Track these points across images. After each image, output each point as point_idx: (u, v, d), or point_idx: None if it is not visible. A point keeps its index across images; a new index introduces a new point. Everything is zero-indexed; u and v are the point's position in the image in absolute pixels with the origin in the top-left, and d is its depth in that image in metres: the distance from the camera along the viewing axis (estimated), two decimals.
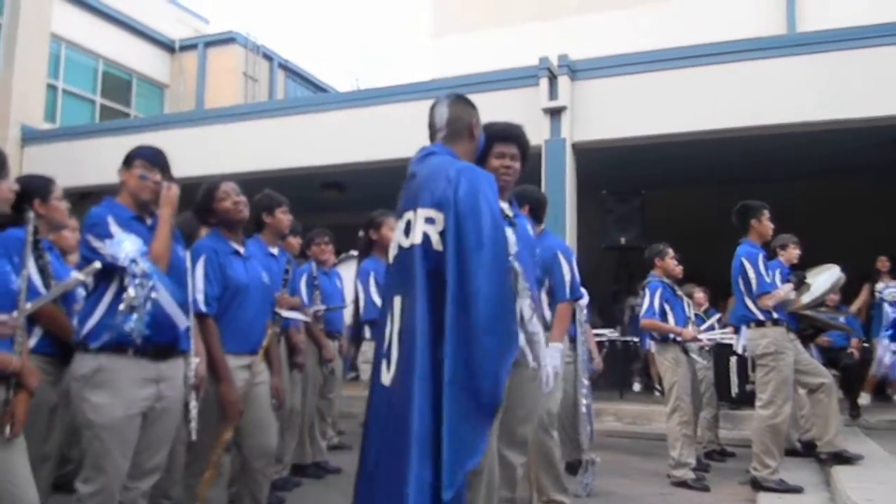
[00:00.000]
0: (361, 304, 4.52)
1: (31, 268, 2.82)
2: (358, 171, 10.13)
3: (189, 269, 3.12)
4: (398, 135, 9.44)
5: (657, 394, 8.62)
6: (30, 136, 11.39)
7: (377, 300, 4.31)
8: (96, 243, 2.70)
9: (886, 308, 8.19)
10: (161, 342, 2.84)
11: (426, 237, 2.35)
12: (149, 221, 2.95)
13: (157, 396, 2.82)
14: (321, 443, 5.54)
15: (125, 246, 2.62)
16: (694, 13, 12.05)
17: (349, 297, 5.64)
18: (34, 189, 3.15)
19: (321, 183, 10.95)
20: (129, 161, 2.96)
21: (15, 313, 2.29)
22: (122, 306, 2.62)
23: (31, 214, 2.54)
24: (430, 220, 2.36)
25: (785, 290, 5.16)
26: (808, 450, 6.00)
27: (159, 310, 2.79)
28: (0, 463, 2.30)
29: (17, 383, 2.36)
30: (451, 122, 2.64)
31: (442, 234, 2.33)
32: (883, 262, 8.74)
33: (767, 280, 5.03)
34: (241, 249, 3.49)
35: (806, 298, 5.46)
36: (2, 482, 2.28)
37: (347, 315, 5.66)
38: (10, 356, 2.33)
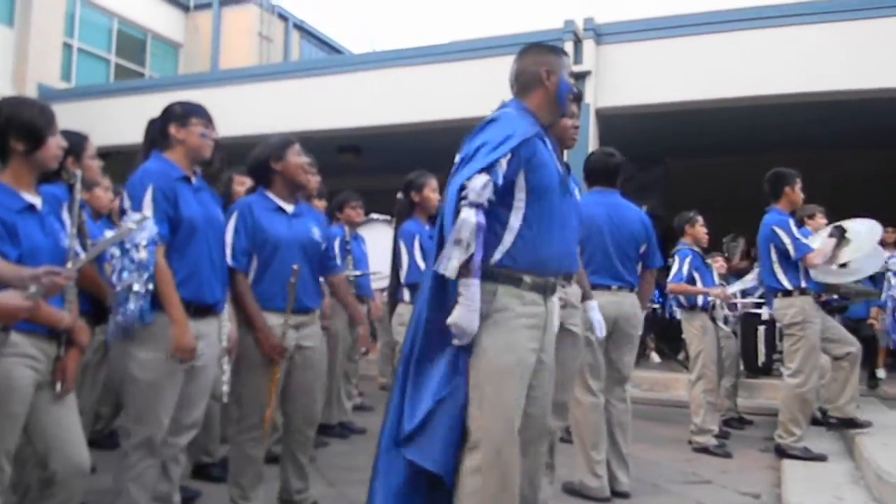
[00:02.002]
0: (404, 266, 4.43)
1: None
2: (374, 135, 10.07)
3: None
4: (415, 98, 9.40)
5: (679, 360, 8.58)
6: (47, 95, 11.33)
7: (421, 263, 4.27)
8: (127, 209, 2.73)
9: (891, 278, 8.11)
10: (202, 302, 2.87)
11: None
12: (194, 181, 2.94)
13: (197, 353, 2.82)
14: (347, 403, 5.59)
15: (141, 232, 2.59)
16: None
17: (375, 260, 5.64)
18: (68, 146, 3.12)
19: (337, 146, 10.89)
20: (183, 118, 2.92)
21: (70, 264, 2.28)
22: (119, 287, 2.60)
23: (78, 174, 2.52)
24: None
25: (829, 246, 5.09)
26: (825, 417, 6.02)
27: (201, 270, 2.82)
28: (52, 418, 2.31)
29: (68, 340, 2.36)
30: (517, 76, 2.60)
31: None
32: (889, 234, 8.72)
33: (804, 241, 4.98)
34: (289, 207, 3.40)
35: (846, 257, 5.25)
36: (54, 438, 2.30)
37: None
38: (61, 313, 2.33)
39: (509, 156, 2.30)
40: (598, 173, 4.30)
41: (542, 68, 2.54)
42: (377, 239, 5.81)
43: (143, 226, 2.53)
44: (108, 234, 2.55)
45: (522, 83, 2.58)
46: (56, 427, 2.32)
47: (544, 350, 2.50)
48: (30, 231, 2.29)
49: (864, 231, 5.31)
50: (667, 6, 9.11)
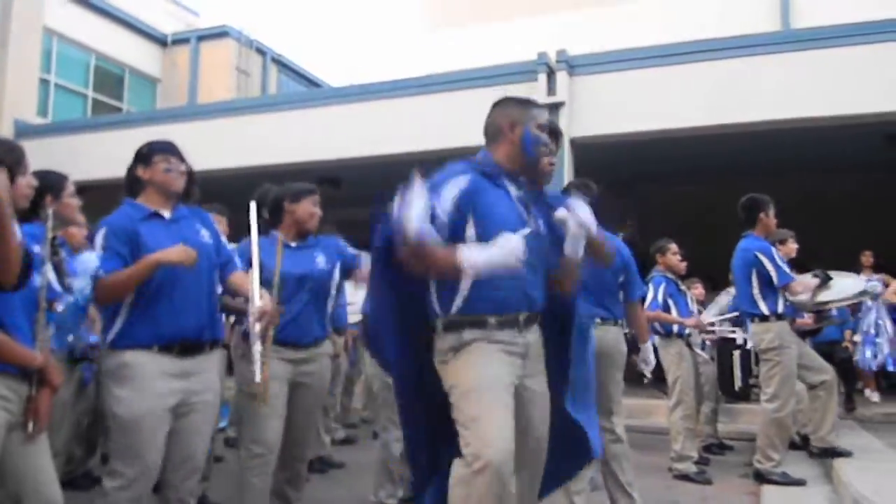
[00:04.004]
0: None
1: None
2: (353, 167, 10.10)
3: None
4: (393, 130, 9.47)
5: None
6: (23, 131, 11.30)
7: None
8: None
9: (870, 304, 8.23)
10: (186, 338, 2.84)
11: None
12: (167, 215, 2.96)
13: (187, 391, 2.81)
14: (325, 438, 5.55)
15: (84, 267, 2.66)
16: (691, 9, 12.11)
17: (350, 293, 5.65)
18: (47, 185, 3.13)
19: (316, 178, 10.90)
20: (146, 159, 2.96)
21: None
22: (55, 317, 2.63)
23: (50, 211, 2.52)
24: None
25: (812, 283, 5.17)
26: (805, 443, 6.06)
27: (182, 304, 2.82)
28: (24, 459, 2.29)
29: (40, 380, 2.35)
30: (486, 128, 2.75)
31: None
32: (867, 257, 8.91)
33: (786, 270, 5.06)
34: (292, 244, 3.60)
35: (824, 297, 5.37)
36: (26, 479, 2.28)
37: (350, 311, 5.67)
38: (33, 352, 2.32)
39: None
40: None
41: (505, 121, 2.68)
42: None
43: (83, 262, 2.64)
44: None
45: (489, 135, 2.73)
46: (28, 468, 2.29)
47: (531, 377, 2.55)
48: None
49: (848, 283, 5.46)
50: (638, 38, 9.31)
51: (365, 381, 7.35)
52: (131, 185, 3.00)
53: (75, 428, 4.29)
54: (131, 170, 3.00)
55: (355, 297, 5.39)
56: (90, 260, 2.64)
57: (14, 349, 2.22)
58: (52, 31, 13.42)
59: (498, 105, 2.75)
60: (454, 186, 2.51)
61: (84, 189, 3.55)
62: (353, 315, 5.65)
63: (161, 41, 16.32)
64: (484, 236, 2.44)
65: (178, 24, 16.84)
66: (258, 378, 3.01)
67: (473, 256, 2.30)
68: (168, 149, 3.00)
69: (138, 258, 2.76)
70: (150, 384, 2.71)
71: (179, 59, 16.24)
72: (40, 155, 2.60)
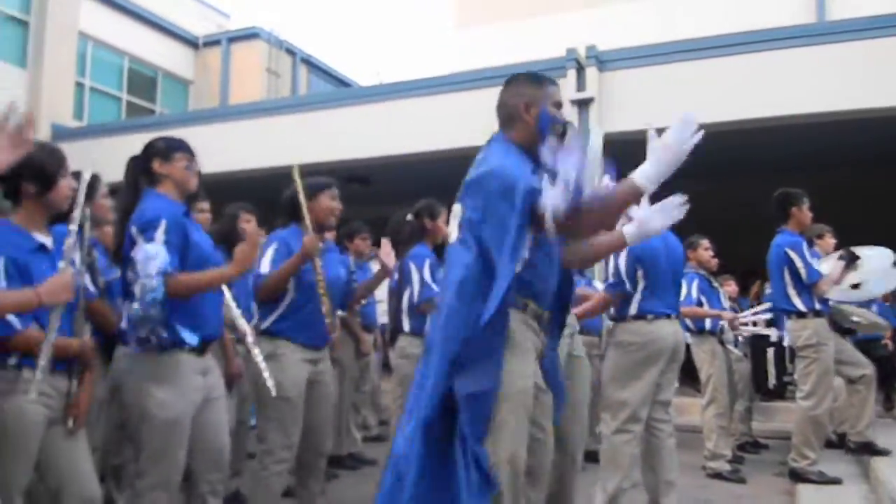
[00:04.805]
0: (415, 287, 4.44)
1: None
2: (382, 165, 10.14)
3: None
4: (422, 128, 9.48)
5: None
6: (60, 134, 11.51)
7: (433, 284, 4.33)
8: (138, 242, 2.71)
9: None
10: (210, 337, 2.90)
11: (451, 232, 2.46)
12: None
13: (207, 387, 2.86)
14: (356, 434, 5.59)
15: (152, 262, 2.60)
16: (722, 2, 11.94)
17: (380, 292, 5.67)
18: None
19: (345, 177, 10.97)
20: (166, 153, 2.94)
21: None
22: (130, 317, 2.61)
23: (87, 212, 2.56)
24: (455, 215, 2.45)
25: (838, 270, 5.07)
26: (841, 441, 5.96)
27: (209, 306, 2.86)
28: (64, 454, 2.34)
29: (80, 372, 2.40)
30: (498, 109, 2.59)
31: (458, 225, 2.40)
32: None
33: (816, 267, 4.98)
34: (322, 243, 3.59)
35: (858, 277, 5.21)
36: (66, 474, 2.33)
37: (380, 309, 5.70)
38: (70, 340, 2.36)
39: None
40: None
41: (520, 101, 2.51)
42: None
43: (153, 255, 2.57)
44: None
45: (503, 117, 2.57)
46: (68, 463, 2.34)
47: (538, 377, 2.52)
48: (42, 270, 2.34)
49: (874, 255, 5.30)
50: (668, 32, 9.21)
51: (395, 379, 7.43)
52: (139, 176, 2.96)
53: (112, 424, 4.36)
54: (145, 161, 2.94)
55: (385, 296, 5.40)
56: (158, 254, 2.58)
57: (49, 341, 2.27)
58: (86, 35, 13.66)
59: (510, 84, 2.58)
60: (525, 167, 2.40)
61: (117, 190, 3.60)
62: (384, 315, 5.67)
63: (193, 43, 16.53)
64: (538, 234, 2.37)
65: (210, 27, 17.03)
66: (273, 390, 3.09)
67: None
68: (188, 147, 3.00)
69: (187, 255, 2.77)
70: (186, 383, 2.74)
71: (211, 60, 16.43)
72: (77, 157, 2.63)
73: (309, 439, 3.47)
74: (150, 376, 2.69)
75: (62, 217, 2.68)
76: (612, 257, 4.07)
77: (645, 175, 2.27)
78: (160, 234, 2.70)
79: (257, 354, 3.12)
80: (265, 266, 3.41)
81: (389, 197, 10.97)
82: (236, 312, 3.19)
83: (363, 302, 5.34)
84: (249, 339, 3.17)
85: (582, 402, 3.68)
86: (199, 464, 2.85)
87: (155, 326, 2.59)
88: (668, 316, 4.00)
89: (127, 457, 3.57)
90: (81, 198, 2.49)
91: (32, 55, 12.05)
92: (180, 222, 2.78)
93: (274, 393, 3.14)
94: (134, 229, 2.70)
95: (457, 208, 2.44)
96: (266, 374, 3.09)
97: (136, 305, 2.55)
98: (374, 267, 6.00)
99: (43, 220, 2.50)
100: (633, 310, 3.96)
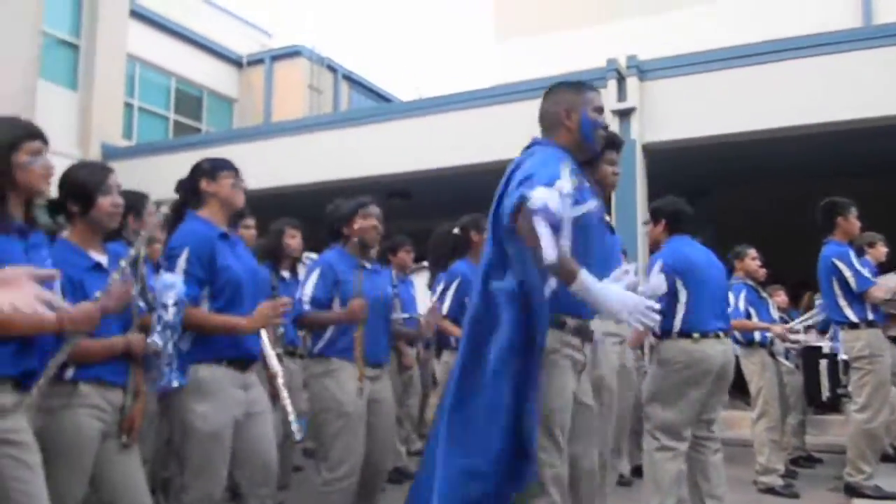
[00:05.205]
0: (448, 303, 4.49)
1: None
2: (423, 179, 10.18)
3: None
4: (462, 142, 9.51)
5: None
6: (109, 154, 11.81)
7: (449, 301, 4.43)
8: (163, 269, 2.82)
9: None
10: (249, 356, 2.95)
11: None
12: (231, 237, 3.03)
13: (249, 402, 2.89)
14: (401, 448, 5.59)
15: (169, 292, 2.65)
16: (764, 9, 11.78)
17: (423, 307, 5.70)
18: (129, 205, 3.26)
19: (386, 192, 11.05)
20: (212, 172, 3.01)
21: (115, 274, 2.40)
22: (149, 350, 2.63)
23: (143, 233, 2.63)
24: None
25: (893, 281, 4.96)
26: None
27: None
28: (117, 468, 2.39)
29: (135, 393, 2.46)
30: (541, 119, 2.63)
31: None
32: None
33: (866, 274, 4.86)
34: (367, 264, 3.65)
35: None
36: (119, 487, 2.37)
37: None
38: (114, 339, 2.43)
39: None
40: (680, 220, 4.18)
41: (561, 108, 2.55)
42: (421, 285, 5.87)
43: (171, 285, 2.64)
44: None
45: (546, 125, 2.60)
46: (121, 477, 2.39)
47: (582, 391, 2.51)
48: (97, 287, 2.40)
49: None
50: (709, 41, 9.11)
51: (439, 392, 7.44)
52: (188, 196, 3.05)
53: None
54: (192, 182, 3.03)
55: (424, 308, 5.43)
56: (175, 284, 2.66)
57: (96, 344, 2.33)
58: (134, 57, 14.00)
59: (551, 93, 2.64)
60: (567, 167, 2.36)
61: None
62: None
63: (237, 62, 16.85)
64: (578, 239, 2.34)
65: (253, 46, 17.35)
66: (297, 435, 3.13)
67: (591, 288, 2.16)
68: (233, 166, 3.07)
69: (213, 280, 2.84)
70: (225, 397, 2.79)
71: (254, 79, 16.73)
72: (126, 176, 2.70)
73: (369, 457, 3.50)
74: (191, 391, 2.75)
75: (112, 235, 2.75)
76: (644, 272, 4.03)
77: (585, 284, 2.16)
78: (182, 263, 2.78)
79: (285, 398, 3.15)
80: (308, 291, 3.48)
81: (431, 210, 11.01)
82: (269, 352, 3.22)
83: (402, 316, 5.36)
84: (280, 380, 3.22)
85: (623, 416, 3.64)
86: (247, 478, 2.88)
87: (170, 361, 2.64)
88: (717, 334, 3.91)
89: (174, 470, 3.63)
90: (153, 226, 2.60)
91: (83, 77, 12.40)
92: (206, 250, 2.83)
93: (299, 437, 3.16)
94: (164, 254, 2.83)
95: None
96: (292, 419, 3.12)
97: (155, 338, 2.59)
98: (417, 280, 6.04)
99: (97, 238, 2.56)
100: (677, 326, 3.88)
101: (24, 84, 10.43)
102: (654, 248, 4.32)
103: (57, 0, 12.02)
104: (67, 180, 2.51)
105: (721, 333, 3.95)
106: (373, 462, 3.54)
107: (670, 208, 4.21)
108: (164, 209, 3.43)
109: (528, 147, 2.56)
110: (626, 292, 2.18)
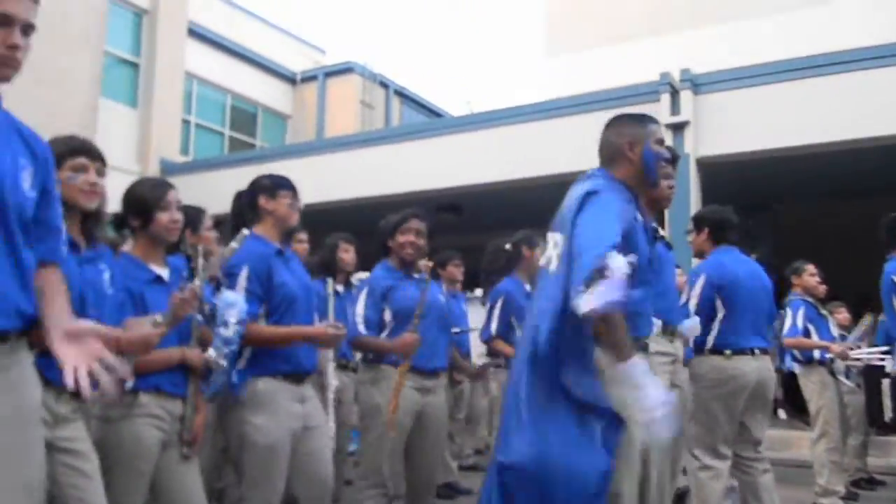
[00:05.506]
0: (493, 323, 4.51)
1: None
2: (474, 193, 10.21)
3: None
4: (513, 156, 9.51)
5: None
6: (168, 169, 12.13)
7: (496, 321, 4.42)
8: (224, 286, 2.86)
9: None
10: (304, 370, 2.98)
11: (548, 260, 2.42)
12: (286, 253, 3.09)
13: (305, 415, 2.92)
14: (451, 464, 5.58)
15: (231, 310, 2.70)
16: (820, 21, 11.55)
17: (475, 320, 5.71)
18: (187, 220, 3.34)
19: (437, 206, 11.09)
20: (271, 190, 3.07)
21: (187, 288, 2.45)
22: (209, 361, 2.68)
23: (200, 248, 2.69)
24: (556, 245, 2.40)
25: None
26: None
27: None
28: (176, 477, 2.44)
29: (194, 404, 2.51)
30: (601, 149, 2.58)
31: (559, 256, 2.35)
32: None
33: None
34: (415, 275, 3.71)
35: None
36: (178, 497, 2.42)
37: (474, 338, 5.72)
38: (170, 350, 2.47)
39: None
40: (725, 230, 4.12)
41: (623, 140, 2.50)
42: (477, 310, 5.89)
43: (233, 303, 2.69)
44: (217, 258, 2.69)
45: (606, 156, 2.56)
46: (180, 486, 2.44)
47: None
48: (157, 300, 2.46)
49: None
50: (762, 54, 8.96)
51: (490, 407, 7.40)
52: (245, 211, 3.12)
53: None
54: (251, 197, 3.10)
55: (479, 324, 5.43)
56: (237, 302, 2.71)
57: (153, 354, 2.38)
58: (192, 74, 14.39)
59: (612, 124, 2.60)
60: (627, 213, 2.35)
61: (221, 222, 3.77)
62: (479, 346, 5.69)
63: (290, 79, 17.17)
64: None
65: (307, 62, 17.65)
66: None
67: (634, 377, 2.10)
68: (292, 185, 3.13)
69: (271, 297, 2.90)
70: (282, 410, 2.82)
71: (308, 95, 17.02)
72: (183, 191, 2.77)
73: (417, 469, 3.51)
74: (249, 403, 2.80)
75: (174, 248, 2.83)
76: (687, 284, 3.99)
77: (629, 370, 2.10)
78: (242, 282, 2.83)
79: (330, 409, 3.17)
80: (360, 310, 3.53)
81: (481, 225, 11.04)
82: (329, 368, 3.27)
83: (454, 330, 5.38)
84: (329, 394, 3.26)
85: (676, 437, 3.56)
86: (303, 493, 2.92)
87: (228, 375, 2.70)
88: (752, 351, 3.85)
89: (229, 481, 3.69)
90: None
91: (143, 95, 12.79)
92: (264, 268, 2.89)
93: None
94: (220, 273, 2.83)
95: (555, 237, 2.42)
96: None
97: (211, 352, 2.65)
98: (470, 308, 6.07)
99: (158, 252, 2.63)
100: (710, 342, 3.85)
101: (87, 102, 10.81)
102: (698, 256, 4.27)
103: (118, 20, 12.44)
104: (129, 196, 2.60)
105: (757, 350, 3.88)
106: (421, 474, 3.54)
107: (714, 216, 4.15)
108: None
109: (587, 177, 2.51)
110: (657, 400, 2.08)
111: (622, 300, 2.04)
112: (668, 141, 8.34)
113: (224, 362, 2.66)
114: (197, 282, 2.48)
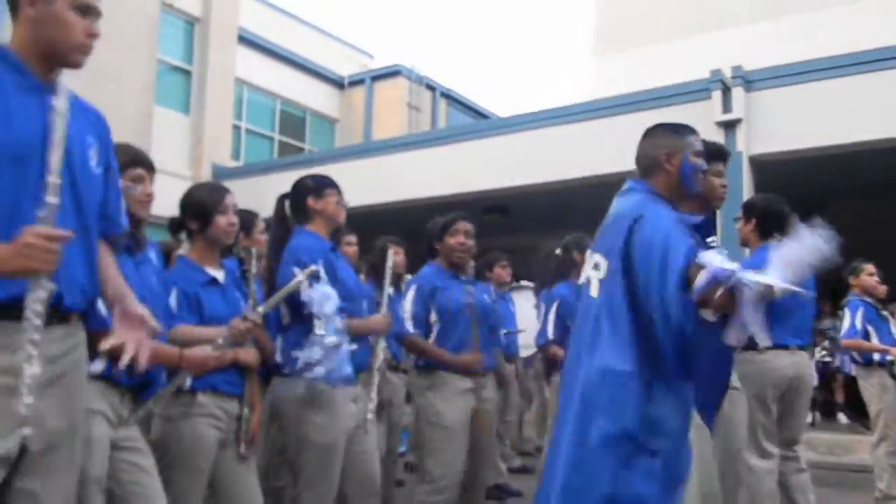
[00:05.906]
0: (550, 329, 4.49)
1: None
2: (521, 194, 10.18)
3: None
4: (560, 157, 9.45)
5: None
6: (220, 174, 12.36)
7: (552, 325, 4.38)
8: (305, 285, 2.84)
9: None
10: (363, 368, 3.04)
11: (588, 281, 2.39)
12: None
13: (357, 415, 2.96)
14: (501, 465, 5.57)
15: (328, 304, 2.74)
16: (873, 16, 11.22)
17: (522, 322, 5.70)
18: (240, 222, 3.41)
19: (483, 207, 11.08)
20: (318, 190, 3.12)
21: (250, 311, 2.52)
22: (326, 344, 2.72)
23: (253, 251, 2.75)
24: (596, 266, 2.38)
25: None
26: None
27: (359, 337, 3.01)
28: (233, 476, 2.50)
29: (251, 404, 2.56)
30: (638, 160, 2.54)
31: (602, 281, 2.32)
32: None
33: None
34: (462, 276, 3.75)
35: None
36: (235, 496, 2.47)
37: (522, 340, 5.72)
38: (227, 350, 2.50)
39: None
40: (771, 220, 3.94)
41: (661, 152, 2.45)
42: (524, 305, 5.86)
43: (329, 296, 2.72)
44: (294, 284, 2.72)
45: (643, 167, 2.52)
46: (236, 486, 2.50)
47: None
48: (212, 301, 2.52)
49: None
50: (815, 50, 8.74)
51: (537, 410, 7.37)
52: (294, 213, 3.16)
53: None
54: (298, 199, 3.14)
55: (525, 326, 5.42)
56: (332, 295, 2.76)
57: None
58: (242, 81, 14.64)
59: (650, 135, 2.54)
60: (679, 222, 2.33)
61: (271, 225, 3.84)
62: (525, 348, 5.68)
63: (338, 83, 17.36)
64: None
65: (354, 67, 17.83)
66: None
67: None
68: (336, 184, 3.18)
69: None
70: (341, 409, 2.87)
71: (355, 99, 17.19)
72: (236, 195, 2.83)
73: (470, 469, 3.52)
74: (308, 403, 2.83)
75: (227, 250, 2.88)
76: None
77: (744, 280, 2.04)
78: (323, 275, 2.86)
79: (372, 411, 3.19)
80: (407, 308, 3.58)
81: (528, 226, 11.00)
82: (380, 359, 3.30)
83: (504, 332, 5.38)
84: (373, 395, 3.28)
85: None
86: (353, 491, 2.95)
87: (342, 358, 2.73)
88: (787, 346, 3.79)
89: (286, 480, 3.74)
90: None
91: (195, 101, 13.06)
92: (329, 263, 2.94)
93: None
94: (296, 269, 2.82)
95: (596, 258, 2.38)
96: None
97: (327, 339, 2.69)
98: (515, 297, 6.04)
99: (214, 255, 2.69)
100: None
101: (141, 109, 11.08)
102: (744, 245, 4.18)
103: (170, 28, 12.71)
104: (188, 200, 2.66)
105: (794, 346, 3.83)
106: (472, 473, 3.54)
107: (763, 205, 4.02)
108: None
109: (626, 191, 2.48)
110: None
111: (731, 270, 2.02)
112: (720, 139, 8.22)
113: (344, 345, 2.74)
114: (260, 307, 2.58)
